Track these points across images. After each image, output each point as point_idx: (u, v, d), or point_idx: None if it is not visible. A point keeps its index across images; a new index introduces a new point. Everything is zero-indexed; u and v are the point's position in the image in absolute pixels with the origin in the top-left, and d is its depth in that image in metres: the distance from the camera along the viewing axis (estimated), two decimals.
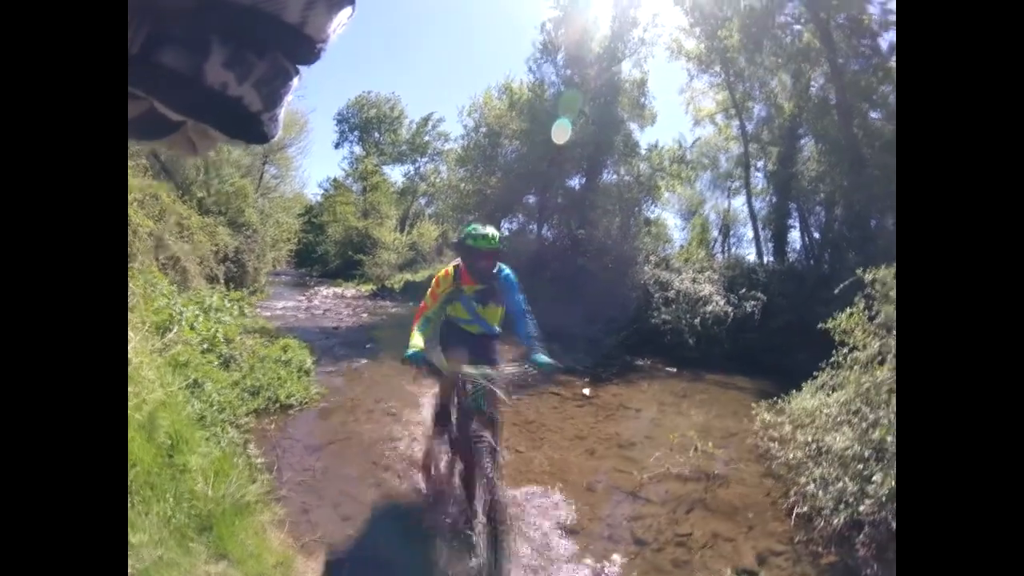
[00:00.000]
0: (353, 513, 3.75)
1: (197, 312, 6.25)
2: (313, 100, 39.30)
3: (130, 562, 1.99)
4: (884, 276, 4.46)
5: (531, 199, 18.03)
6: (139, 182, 9.37)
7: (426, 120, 34.46)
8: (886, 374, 3.92)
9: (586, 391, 7.27)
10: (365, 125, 34.71)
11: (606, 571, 3.29)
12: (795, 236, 14.60)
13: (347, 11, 0.40)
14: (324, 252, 29.80)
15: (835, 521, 3.51)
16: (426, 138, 34.34)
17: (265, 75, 0.39)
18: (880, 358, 4.25)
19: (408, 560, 3.25)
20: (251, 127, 0.40)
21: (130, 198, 5.81)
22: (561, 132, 15.07)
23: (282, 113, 0.42)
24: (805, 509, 3.83)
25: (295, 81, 0.41)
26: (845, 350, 4.72)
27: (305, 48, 0.39)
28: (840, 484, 3.66)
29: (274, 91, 0.40)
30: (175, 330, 5.24)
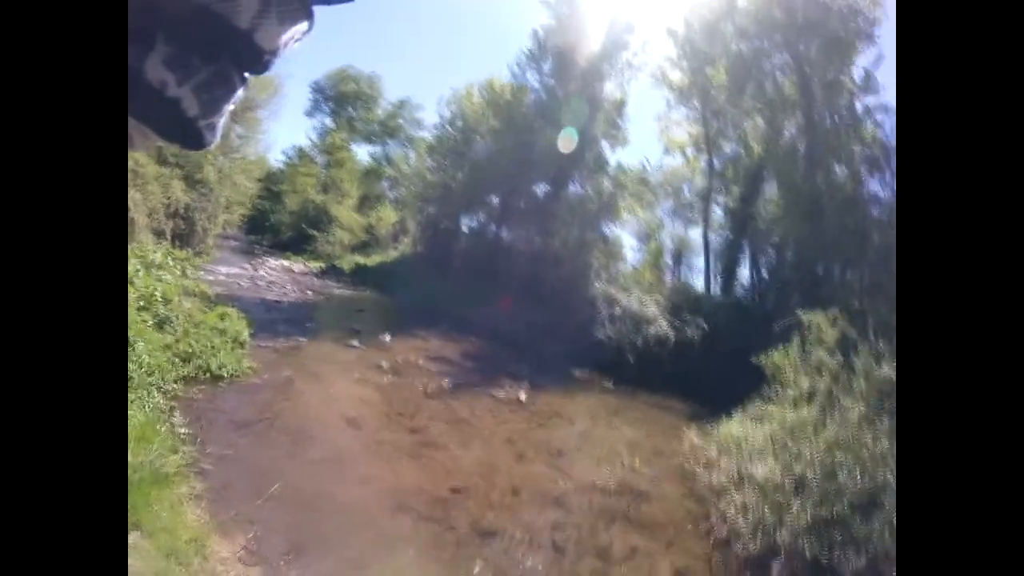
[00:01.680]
0: (273, 492, 3.66)
1: (138, 267, 5.95)
2: (291, 64, 37.91)
3: None
4: (821, 320, 4.74)
5: (495, 199, 18.06)
6: None
7: (402, 104, 33.89)
8: (813, 413, 4.15)
9: (522, 396, 7.31)
10: (340, 98, 33.78)
11: None
12: (744, 272, 15.20)
13: (302, 26, 0.39)
14: (277, 222, 28.74)
15: (751, 547, 3.68)
16: (400, 121, 33.76)
17: (207, 81, 0.38)
18: (808, 396, 4.50)
19: (322, 546, 3.20)
20: (186, 132, 0.39)
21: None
22: (568, 141, 15.21)
23: (221, 121, 0.41)
24: (724, 532, 4.00)
25: (240, 91, 0.40)
26: (776, 386, 4.97)
27: (253, 56, 0.38)
28: (759, 511, 3.85)
29: (215, 98, 0.39)
30: None
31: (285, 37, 0.38)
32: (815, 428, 3.95)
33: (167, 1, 0.35)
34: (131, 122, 0.38)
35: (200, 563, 2.61)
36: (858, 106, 12.52)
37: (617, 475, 4.93)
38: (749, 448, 4.71)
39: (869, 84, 12.27)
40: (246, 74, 0.40)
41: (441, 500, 4.06)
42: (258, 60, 0.38)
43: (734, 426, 5.47)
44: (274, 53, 0.39)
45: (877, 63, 12.22)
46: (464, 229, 19.21)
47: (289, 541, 3.19)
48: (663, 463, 5.58)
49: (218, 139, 0.42)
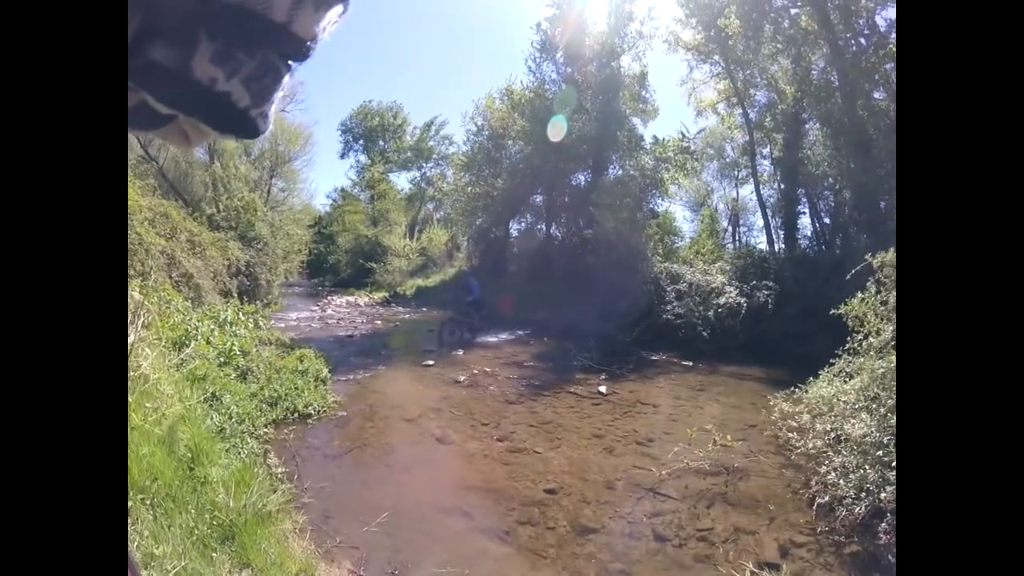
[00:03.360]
0: (373, 518, 3.78)
1: (212, 327, 6.32)
2: (315, 112, 39.53)
3: (154, 574, 2.03)
4: (892, 260, 4.41)
5: (538, 198, 18.07)
6: (148, 201, 9.50)
7: (429, 125, 34.58)
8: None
9: (602, 389, 7.26)
10: (369, 134, 34.91)
11: (627, 569, 3.28)
12: (805, 222, 14.43)
13: (337, 9, 0.40)
14: (335, 262, 29.98)
15: (857, 510, 3.47)
16: (430, 143, 34.46)
17: (254, 72, 0.39)
18: (895, 342, 4.20)
19: (425, 560, 3.26)
20: (240, 122, 0.40)
21: (140, 217, 5.89)
22: (557, 129, 15.09)
23: (272, 109, 0.42)
24: (826, 499, 3.79)
25: (287, 78, 0.42)
26: (859, 336, 4.67)
27: (294, 46, 0.39)
28: (861, 472, 3.62)
29: (263, 87, 0.40)
30: (191, 345, 5.30)
31: (323, 23, 0.39)
32: None
33: (200, 5, 0.36)
34: (183, 118, 0.40)
35: None
36: (880, 22, 11.66)
37: (710, 454, 4.78)
38: (841, 407, 4.43)
39: None
40: (291, 63, 0.41)
41: (537, 502, 4.06)
42: (299, 49, 0.40)
43: (823, 386, 5.17)
44: (314, 40, 0.40)
45: None
46: (513, 233, 19.32)
47: (394, 561, 3.28)
48: (755, 435, 5.36)
49: (271, 127, 0.43)
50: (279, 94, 0.42)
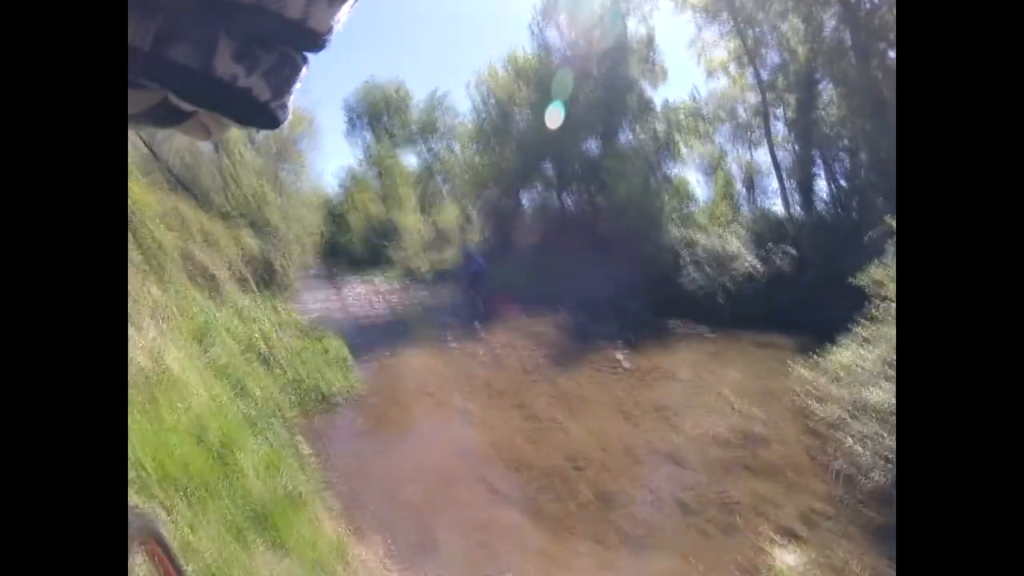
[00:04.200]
0: (400, 493, 3.89)
1: (232, 317, 6.42)
2: (317, 92, 39.18)
3: (192, 563, 2.11)
4: None
5: (548, 168, 17.84)
6: (158, 198, 9.57)
7: (432, 98, 34.09)
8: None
9: (620, 358, 7.27)
10: (373, 111, 34.54)
11: (650, 537, 3.35)
12: (821, 185, 14.05)
13: (350, 0, 0.41)
14: (349, 243, 29.98)
15: (876, 477, 3.48)
16: (435, 115, 34.05)
17: (273, 66, 0.40)
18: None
19: (454, 535, 3.36)
20: (261, 114, 0.42)
21: (151, 213, 5.94)
22: (555, 116, 14.84)
23: (291, 99, 0.44)
24: (846, 466, 3.80)
25: (304, 69, 0.43)
26: (879, 302, 4.61)
27: (310, 40, 0.41)
28: (880, 440, 3.62)
29: (283, 80, 0.42)
30: (213, 337, 5.40)
31: (337, 15, 0.40)
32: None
33: (217, 7, 0.37)
34: (204, 114, 0.42)
35: (344, 569, 2.83)
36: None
37: (730, 422, 4.80)
38: (862, 374, 4.40)
39: None
40: (307, 54, 0.43)
41: (559, 472, 4.14)
42: (315, 42, 0.41)
43: (843, 353, 5.12)
44: (329, 32, 0.41)
45: None
46: (525, 204, 19.17)
47: (423, 537, 3.39)
48: (775, 403, 5.34)
49: (290, 115, 0.45)
50: (297, 85, 0.44)
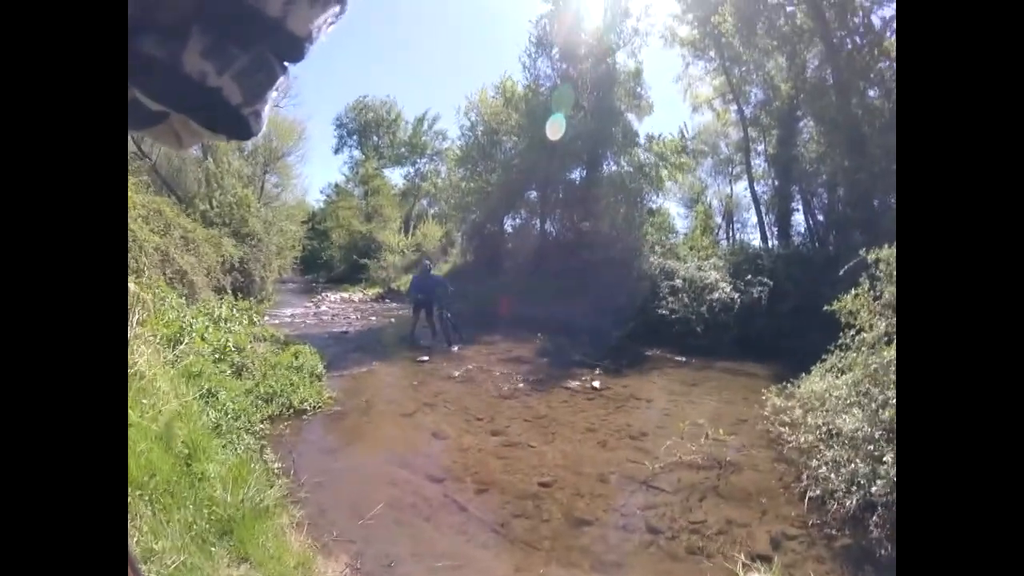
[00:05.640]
0: (369, 511, 3.80)
1: (207, 323, 6.31)
2: (310, 107, 39.40)
3: (153, 568, 2.04)
4: (887, 256, 4.47)
5: (532, 194, 18.04)
6: (142, 198, 9.44)
7: (422, 119, 34.43)
8: (893, 353, 3.92)
9: (596, 384, 7.30)
10: (363, 129, 34.75)
11: (621, 561, 3.32)
12: (799, 219, 14.52)
13: (334, 9, 0.39)
14: (329, 258, 29.88)
15: (848, 503, 3.52)
16: (424, 138, 34.33)
17: (247, 68, 0.38)
18: (887, 338, 4.26)
19: (421, 553, 3.30)
20: (231, 121, 0.40)
21: (134, 214, 5.86)
22: (555, 128, 15.09)
23: (266, 109, 0.41)
24: (818, 492, 3.84)
25: (281, 78, 0.41)
26: (852, 331, 4.73)
27: (288, 44, 0.39)
28: (852, 466, 3.67)
29: (256, 84, 0.39)
30: (186, 342, 5.30)
31: (318, 21, 0.39)
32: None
33: None
34: (175, 116, 0.39)
35: None
36: (876, 21, 11.71)
37: (703, 448, 4.82)
38: (834, 401, 4.49)
39: None
40: (285, 63, 0.40)
41: (532, 495, 4.10)
42: (293, 47, 0.39)
43: (815, 381, 5.24)
44: (308, 38, 0.39)
45: None
46: (508, 229, 19.29)
47: (390, 553, 3.31)
48: (748, 430, 5.41)
49: (264, 128, 0.42)
50: (273, 93, 0.41)
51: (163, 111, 0.39)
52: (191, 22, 0.36)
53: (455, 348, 9.67)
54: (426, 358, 8.81)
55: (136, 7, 0.35)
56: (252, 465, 3.70)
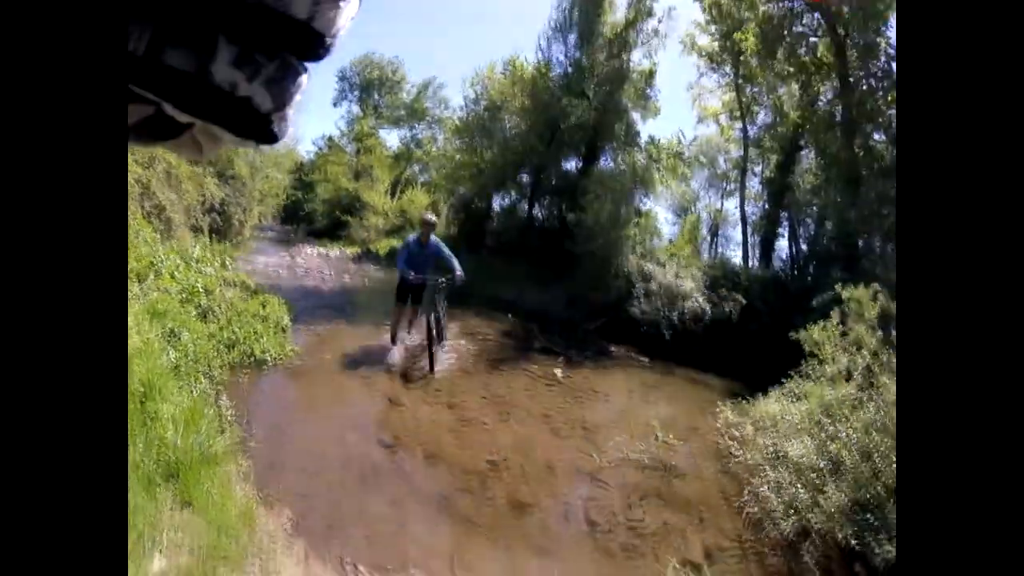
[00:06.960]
0: (316, 468, 3.83)
1: (179, 262, 6.20)
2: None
3: None
4: (861, 295, 4.60)
5: (525, 177, 17.93)
6: None
7: (427, 85, 33.73)
8: (850, 390, 4.06)
9: (558, 372, 7.37)
10: (366, 85, 33.92)
11: (556, 549, 3.42)
12: (783, 245, 14.76)
13: (355, 4, 0.39)
14: (312, 211, 29.29)
15: (784, 526, 3.65)
16: (426, 104, 33.70)
17: (275, 74, 0.38)
18: (847, 374, 4.40)
19: (363, 516, 3.34)
20: (261, 127, 0.40)
21: None
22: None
23: (292, 112, 0.42)
24: (756, 511, 3.97)
25: (304, 79, 0.41)
26: (815, 362, 4.87)
27: (315, 44, 0.39)
28: (793, 491, 3.81)
29: (284, 90, 0.40)
30: (153, 278, 5.20)
31: (343, 18, 0.39)
32: (853, 407, 3.86)
33: (218, 7, 0.35)
34: (198, 127, 0.40)
35: (248, 536, 2.77)
36: (895, 68, 11.86)
37: (651, 451, 4.94)
38: (785, 426, 4.64)
39: None
40: (307, 63, 0.41)
41: (479, 472, 4.17)
42: (320, 46, 0.39)
43: (771, 403, 5.39)
44: (335, 36, 0.39)
45: None
46: (496, 208, 19.18)
47: (333, 514, 3.35)
48: (698, 439, 5.54)
49: (290, 131, 0.43)
50: (298, 97, 0.41)
51: (190, 122, 0.39)
52: (217, 32, 0.36)
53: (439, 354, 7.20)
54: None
55: (159, 21, 0.34)
56: (206, 410, 3.69)
